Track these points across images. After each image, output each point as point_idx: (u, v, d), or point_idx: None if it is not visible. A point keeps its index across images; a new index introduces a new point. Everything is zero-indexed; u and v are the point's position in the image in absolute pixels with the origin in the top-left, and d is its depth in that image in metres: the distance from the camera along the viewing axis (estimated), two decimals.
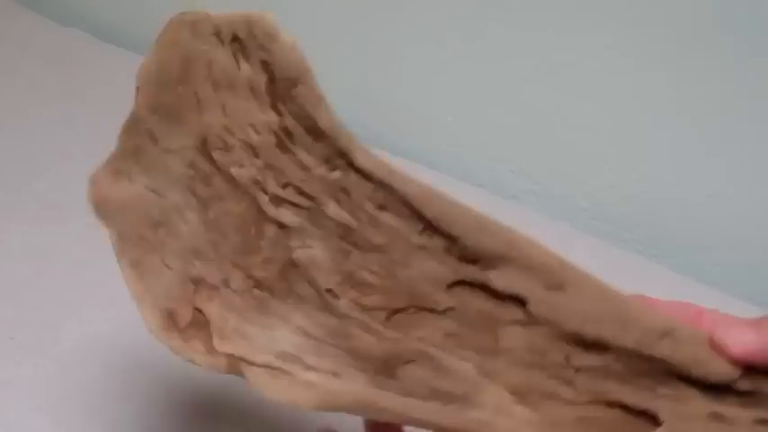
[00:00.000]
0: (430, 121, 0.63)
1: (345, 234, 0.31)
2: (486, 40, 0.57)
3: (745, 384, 0.27)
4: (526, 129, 0.59)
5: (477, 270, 0.30)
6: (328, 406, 0.27)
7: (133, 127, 0.31)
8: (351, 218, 0.31)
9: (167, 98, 0.31)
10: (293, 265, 0.31)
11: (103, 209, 0.30)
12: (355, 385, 0.28)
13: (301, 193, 0.31)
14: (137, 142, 0.31)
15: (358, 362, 0.29)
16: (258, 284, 0.30)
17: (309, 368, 0.28)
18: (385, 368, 0.29)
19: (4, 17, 0.76)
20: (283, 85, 0.31)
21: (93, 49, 0.72)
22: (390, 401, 0.27)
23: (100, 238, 0.53)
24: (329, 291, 0.30)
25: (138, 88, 0.31)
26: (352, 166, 0.31)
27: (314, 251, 0.31)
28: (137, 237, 0.30)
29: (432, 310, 0.30)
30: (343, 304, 0.30)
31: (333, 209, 0.31)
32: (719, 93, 0.50)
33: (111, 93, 0.67)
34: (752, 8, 0.46)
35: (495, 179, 0.62)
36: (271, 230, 0.31)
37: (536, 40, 0.55)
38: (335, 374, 0.28)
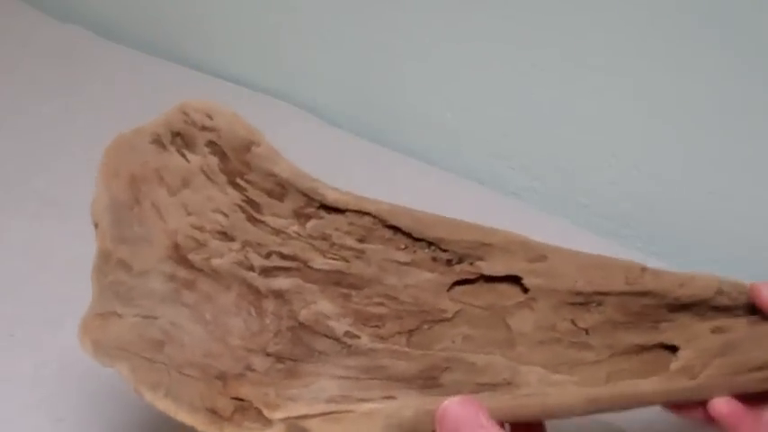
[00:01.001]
0: (430, 118, 0.63)
1: (340, 279, 0.32)
2: (485, 37, 0.57)
3: (723, 300, 0.31)
4: (526, 125, 0.59)
5: (468, 266, 0.31)
6: (394, 426, 0.28)
7: (103, 264, 0.31)
8: (338, 262, 0.32)
9: (127, 223, 0.31)
10: (303, 326, 0.31)
11: (103, 352, 0.29)
12: (412, 400, 0.29)
13: (285, 256, 0.32)
14: (111, 278, 0.31)
15: (402, 383, 0.30)
16: (279, 358, 0.31)
17: (363, 400, 0.29)
18: (427, 381, 0.30)
19: (4, 14, 0.76)
20: (237, 155, 0.32)
21: (93, 45, 0.72)
22: None
23: None
24: (347, 333, 0.31)
25: (95, 225, 0.31)
26: (323, 206, 0.32)
27: (317, 305, 0.31)
28: (146, 363, 0.29)
29: (443, 320, 0.31)
30: (364, 341, 0.31)
31: (319, 260, 0.32)
32: (720, 90, 0.50)
33: (111, 89, 0.67)
34: (755, 6, 0.46)
35: (495, 176, 0.62)
36: (270, 304, 0.32)
37: (536, 37, 0.55)
38: (389, 397, 0.29)
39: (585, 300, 0.31)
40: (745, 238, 0.53)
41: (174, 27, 0.73)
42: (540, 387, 0.30)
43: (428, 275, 0.32)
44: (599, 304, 0.31)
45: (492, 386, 0.30)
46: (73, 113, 0.64)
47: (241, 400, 0.29)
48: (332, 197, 0.32)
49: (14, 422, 0.41)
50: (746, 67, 0.48)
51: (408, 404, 0.29)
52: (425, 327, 0.31)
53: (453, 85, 0.61)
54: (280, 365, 0.31)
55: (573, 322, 0.31)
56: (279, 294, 0.32)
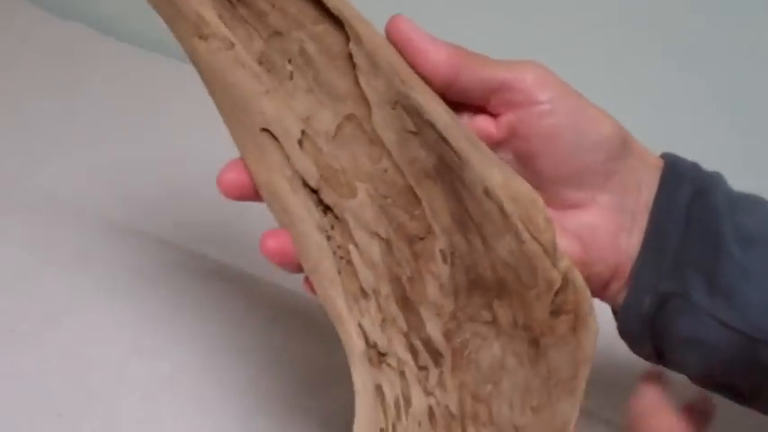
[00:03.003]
0: None
1: None
2: (485, 32, 0.57)
3: None
4: None
5: None
6: None
7: None
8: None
9: None
10: None
11: None
12: None
13: None
14: None
15: None
16: None
17: None
18: None
19: (4, 11, 0.76)
20: None
21: (93, 42, 0.72)
22: None
23: (100, 231, 0.53)
24: None
25: None
26: None
27: None
28: None
29: None
30: None
31: None
32: (720, 87, 0.50)
33: (111, 86, 0.67)
34: (758, 3, 0.47)
35: None
36: None
37: (535, 33, 0.55)
38: None
39: None
40: None
41: None
42: None
43: None
44: None
45: None
46: (73, 110, 0.64)
47: None
48: None
49: (15, 417, 0.41)
50: (747, 63, 0.48)
51: None
52: None
53: None
54: None
55: None
56: None
